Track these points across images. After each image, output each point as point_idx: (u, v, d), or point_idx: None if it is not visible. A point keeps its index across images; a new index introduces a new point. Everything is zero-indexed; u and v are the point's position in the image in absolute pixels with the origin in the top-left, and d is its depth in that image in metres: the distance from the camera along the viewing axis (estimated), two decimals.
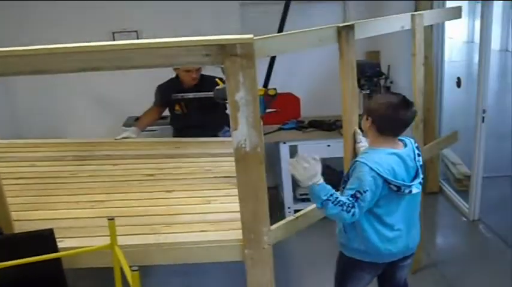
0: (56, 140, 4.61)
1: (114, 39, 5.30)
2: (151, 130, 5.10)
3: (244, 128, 2.32)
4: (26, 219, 2.95)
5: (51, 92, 5.61)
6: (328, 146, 4.77)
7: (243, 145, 2.34)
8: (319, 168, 2.50)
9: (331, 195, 2.46)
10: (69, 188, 3.47)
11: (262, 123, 2.62)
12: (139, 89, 5.39)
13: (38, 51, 2.32)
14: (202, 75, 4.45)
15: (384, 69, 5.05)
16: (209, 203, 3.12)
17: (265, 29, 4.50)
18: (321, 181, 2.50)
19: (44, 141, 4.51)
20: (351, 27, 2.85)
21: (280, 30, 4.82)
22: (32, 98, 5.68)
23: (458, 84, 3.87)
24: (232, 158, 3.63)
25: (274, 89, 3.59)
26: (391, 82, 5.07)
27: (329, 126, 5.01)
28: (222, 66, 2.28)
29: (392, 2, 5.03)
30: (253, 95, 2.27)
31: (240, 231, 2.56)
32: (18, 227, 2.73)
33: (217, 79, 3.47)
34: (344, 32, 2.82)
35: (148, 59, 2.30)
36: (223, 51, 2.20)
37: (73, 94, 5.64)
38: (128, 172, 3.75)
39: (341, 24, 2.84)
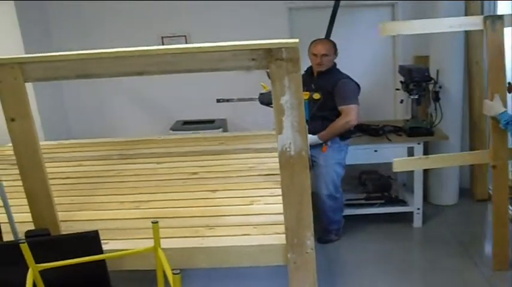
0: (102, 139, 4.70)
1: (163, 44, 5.41)
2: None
3: (289, 132, 2.30)
4: (71, 220, 2.99)
5: (100, 95, 5.73)
6: (375, 151, 4.72)
7: (288, 149, 2.32)
8: None
9: None
10: (114, 188, 3.53)
11: (307, 127, 2.60)
12: (188, 94, 5.47)
13: (86, 55, 2.37)
14: (334, 69, 4.51)
15: (432, 74, 4.96)
16: (252, 204, 3.12)
17: (314, 33, 4.54)
18: None
19: (90, 141, 4.59)
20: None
21: (328, 35, 4.82)
22: (82, 104, 5.82)
23: (509, 89, 3.80)
24: (275, 153, 3.66)
25: (319, 93, 3.59)
26: (440, 87, 4.98)
27: (376, 132, 4.93)
28: (268, 70, 2.27)
29: (441, 3, 4.92)
30: (298, 98, 2.25)
31: (283, 235, 2.54)
32: (65, 228, 2.77)
33: (262, 84, 3.47)
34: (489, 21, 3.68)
35: (194, 64, 2.33)
36: (269, 55, 2.19)
37: (123, 99, 5.77)
38: (172, 170, 3.78)
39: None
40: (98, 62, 2.40)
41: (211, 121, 5.50)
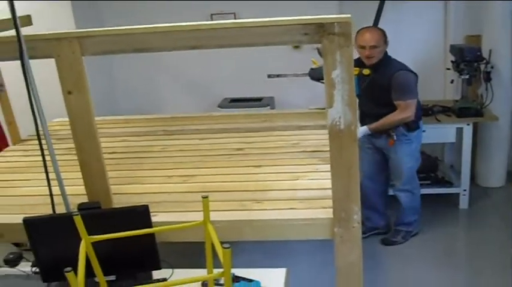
0: (146, 116, 4.80)
1: (212, 20, 5.45)
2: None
3: (340, 106, 2.34)
4: (120, 193, 3.08)
5: (149, 73, 5.86)
6: (424, 131, 4.62)
7: (338, 123, 2.37)
8: None
9: None
10: (160, 163, 3.62)
11: (357, 102, 2.64)
12: (235, 71, 5.54)
13: (143, 30, 2.47)
14: (387, 60, 4.16)
15: (485, 54, 4.93)
16: (298, 179, 3.17)
17: (360, 26, 4.48)
18: None
19: (135, 118, 4.71)
20: None
21: (376, 22, 4.80)
22: (131, 78, 5.94)
23: None
24: (320, 131, 3.71)
25: (369, 69, 3.57)
26: (492, 67, 4.95)
27: (425, 112, 4.88)
28: (318, 47, 2.33)
29: None
30: (349, 73, 2.29)
31: (330, 209, 2.59)
32: (116, 200, 2.88)
33: (312, 59, 3.50)
34: None
35: (247, 38, 2.39)
36: (322, 30, 2.23)
37: (171, 76, 5.89)
38: (217, 146, 3.85)
39: None
40: (154, 36, 2.49)
41: (259, 99, 5.58)
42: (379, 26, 4.70)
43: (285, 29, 2.31)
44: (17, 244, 4.11)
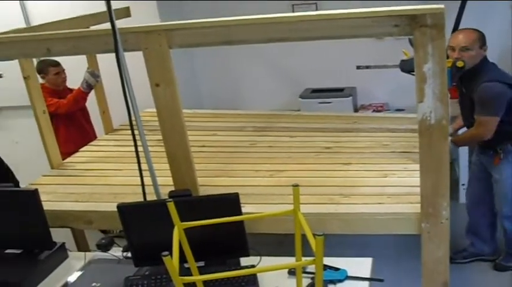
0: (235, 111, 4.94)
1: (293, 11, 5.53)
2: (327, 102, 5.28)
3: (430, 100, 2.34)
4: (209, 184, 3.21)
5: (229, 64, 5.99)
6: None
7: (428, 117, 2.37)
8: None
9: None
10: (248, 157, 3.75)
11: (449, 96, 2.62)
12: (317, 61, 5.57)
13: (231, 22, 2.54)
14: (482, 68, 3.55)
15: None
16: (386, 177, 3.20)
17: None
18: None
19: (223, 112, 4.86)
20: None
21: (456, 28, 4.70)
22: (212, 70, 6.09)
23: None
24: (411, 134, 3.70)
25: (463, 60, 3.40)
26: None
27: None
28: (411, 37, 2.34)
29: None
30: (441, 66, 2.29)
31: (418, 205, 2.61)
32: (202, 192, 3.01)
33: (403, 50, 3.46)
34: None
35: (334, 30, 2.42)
36: (413, 21, 2.23)
37: (252, 66, 5.98)
38: (305, 144, 3.93)
39: None
40: (242, 28, 2.56)
41: (341, 89, 5.59)
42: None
43: (374, 20, 2.31)
44: (104, 231, 4.34)
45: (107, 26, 2.72)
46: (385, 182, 3.12)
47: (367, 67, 4.44)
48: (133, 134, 2.75)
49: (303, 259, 2.16)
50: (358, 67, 4.48)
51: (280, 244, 3.25)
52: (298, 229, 2.15)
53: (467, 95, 3.62)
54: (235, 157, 3.78)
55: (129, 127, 2.75)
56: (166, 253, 1.67)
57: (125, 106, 2.70)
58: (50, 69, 4.48)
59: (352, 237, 2.93)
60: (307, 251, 2.07)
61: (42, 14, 5.30)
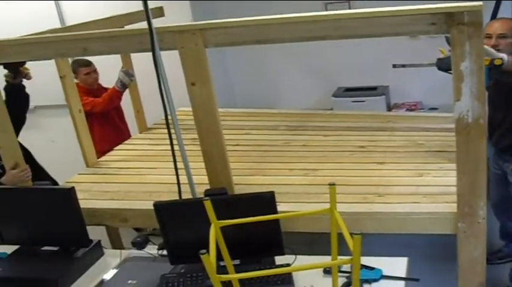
0: (269, 110, 4.96)
1: (326, 10, 5.53)
2: (360, 101, 5.27)
3: (468, 99, 2.33)
4: (243, 183, 3.23)
5: (262, 62, 6.01)
6: None
7: (465, 116, 2.36)
8: None
9: None
10: (282, 156, 3.76)
11: (486, 94, 2.60)
12: (350, 59, 5.56)
13: (267, 21, 2.55)
14: None
15: None
16: (421, 176, 3.19)
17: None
18: None
19: (257, 111, 4.89)
20: None
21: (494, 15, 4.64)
22: (245, 68, 6.12)
23: None
24: (446, 133, 3.68)
25: (501, 58, 3.32)
26: None
27: None
28: (447, 35, 2.33)
29: None
30: (479, 65, 2.28)
31: (454, 205, 2.60)
32: (237, 191, 3.03)
33: (440, 49, 3.42)
34: None
35: (372, 28, 2.41)
36: (450, 19, 2.22)
37: (285, 65, 6.00)
38: (339, 143, 3.94)
39: None
40: (278, 27, 2.57)
41: (374, 88, 5.60)
42: None
43: (410, 18, 2.31)
44: (137, 229, 4.40)
45: (141, 25, 2.76)
46: (420, 182, 3.11)
47: (403, 66, 4.40)
48: (169, 133, 2.78)
49: (339, 257, 2.17)
50: (394, 66, 4.44)
51: (312, 242, 3.26)
52: (335, 228, 2.15)
53: (502, 88, 3.32)
54: (269, 155, 3.80)
55: (163, 126, 2.79)
56: (204, 251, 1.69)
57: (158, 105, 2.74)
58: (80, 69, 4.55)
59: (387, 236, 2.92)
60: (340, 249, 2.08)
61: (76, 14, 5.41)
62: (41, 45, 3.02)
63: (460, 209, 2.57)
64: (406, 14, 2.32)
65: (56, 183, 3.87)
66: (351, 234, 1.70)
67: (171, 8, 4.64)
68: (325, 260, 2.31)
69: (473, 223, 2.57)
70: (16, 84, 3.56)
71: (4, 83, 3.56)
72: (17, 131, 3.58)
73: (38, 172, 3.89)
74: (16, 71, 3.48)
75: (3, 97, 3.30)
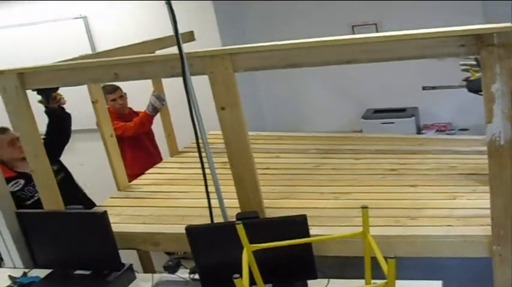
0: (298, 133, 4.99)
1: (353, 33, 5.56)
2: (390, 122, 5.25)
3: (499, 121, 2.33)
4: (274, 207, 3.25)
5: (291, 84, 6.05)
6: None
7: (498, 138, 2.36)
8: None
9: None
10: (313, 179, 3.77)
11: None
12: (379, 82, 5.56)
13: (296, 45, 2.59)
14: None
15: None
16: (455, 199, 3.17)
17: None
18: None
19: (286, 135, 4.91)
20: None
21: None
22: (274, 91, 6.17)
23: None
24: (478, 156, 3.66)
25: None
26: None
27: None
28: (477, 56, 2.33)
29: None
30: (510, 86, 2.28)
31: (488, 227, 2.58)
32: (268, 214, 3.04)
33: (470, 70, 3.40)
34: None
35: (400, 51, 2.43)
36: (479, 41, 2.23)
37: (314, 87, 6.03)
38: (370, 166, 3.93)
39: None
40: (307, 51, 2.60)
41: (403, 110, 5.60)
42: None
43: (440, 41, 2.33)
44: (168, 253, 4.43)
45: (171, 50, 2.80)
46: (453, 205, 3.09)
47: (433, 88, 4.39)
48: (200, 157, 2.81)
49: (372, 281, 2.17)
50: (424, 88, 4.42)
51: (344, 265, 3.26)
52: (368, 251, 2.15)
53: None
54: (299, 179, 3.81)
55: (193, 149, 2.82)
56: (237, 275, 1.71)
57: (189, 129, 2.78)
58: (106, 96, 4.59)
59: (420, 259, 2.91)
60: (373, 273, 2.08)
61: (106, 38, 5.53)
62: (75, 72, 3.10)
63: (495, 232, 2.55)
64: (435, 36, 2.33)
65: (93, 204, 3.93)
66: (385, 258, 1.70)
67: (199, 32, 4.71)
68: (359, 284, 2.31)
69: (509, 246, 2.54)
70: (53, 108, 3.66)
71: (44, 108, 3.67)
72: (61, 149, 3.82)
73: (77, 192, 3.96)
74: (48, 96, 3.57)
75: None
